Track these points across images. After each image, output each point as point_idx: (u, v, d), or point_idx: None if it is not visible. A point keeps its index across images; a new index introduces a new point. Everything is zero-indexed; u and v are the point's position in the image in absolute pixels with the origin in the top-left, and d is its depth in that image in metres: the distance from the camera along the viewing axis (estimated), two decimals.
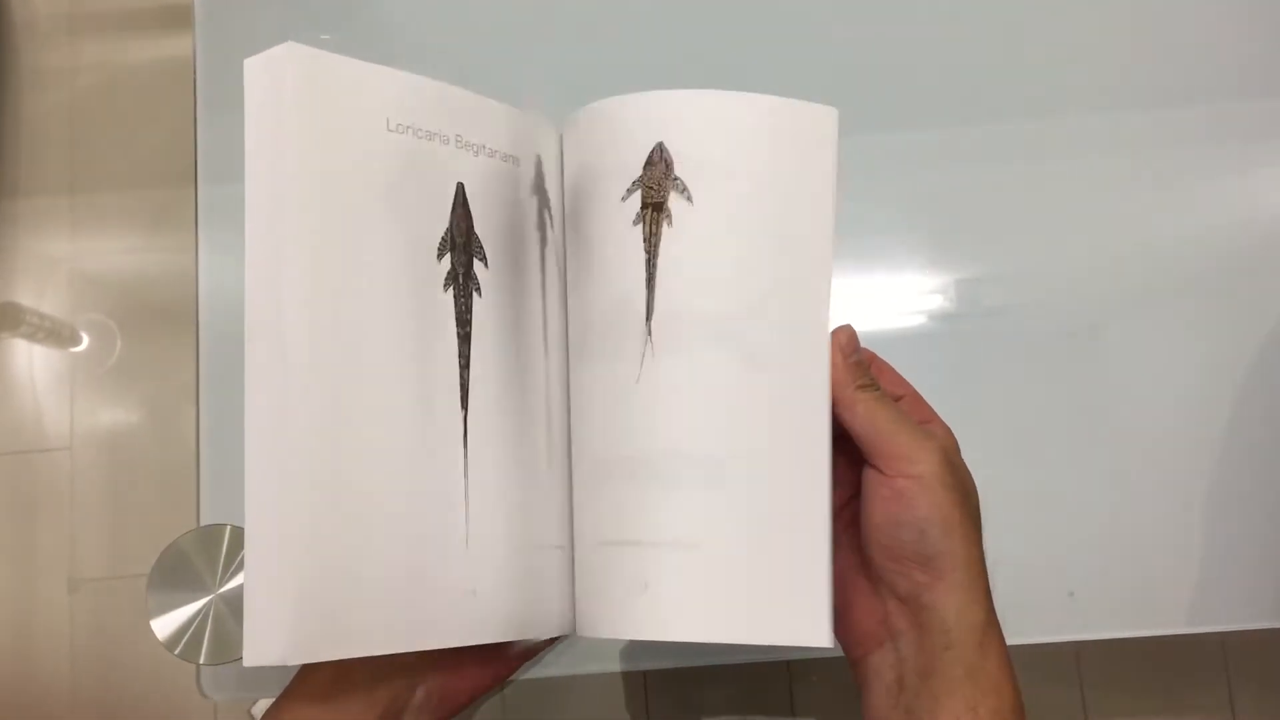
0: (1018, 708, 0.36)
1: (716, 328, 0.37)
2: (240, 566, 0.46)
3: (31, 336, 1.30)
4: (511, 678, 0.48)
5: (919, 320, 0.55)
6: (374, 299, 0.36)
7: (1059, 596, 0.53)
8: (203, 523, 0.52)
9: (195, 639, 0.45)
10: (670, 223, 0.38)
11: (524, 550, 0.39)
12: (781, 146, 0.38)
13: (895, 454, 0.36)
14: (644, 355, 0.38)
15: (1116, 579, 0.53)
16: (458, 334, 0.38)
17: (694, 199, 0.38)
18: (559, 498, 0.41)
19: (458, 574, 0.37)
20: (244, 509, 0.34)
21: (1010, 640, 0.37)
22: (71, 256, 1.31)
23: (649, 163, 0.38)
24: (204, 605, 0.45)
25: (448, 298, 0.38)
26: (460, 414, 0.38)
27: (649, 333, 0.38)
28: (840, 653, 0.41)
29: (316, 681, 0.42)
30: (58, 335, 1.30)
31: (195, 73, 0.58)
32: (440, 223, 0.38)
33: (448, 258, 0.38)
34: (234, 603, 0.45)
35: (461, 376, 0.38)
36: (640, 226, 0.39)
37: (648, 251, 0.38)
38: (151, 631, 0.45)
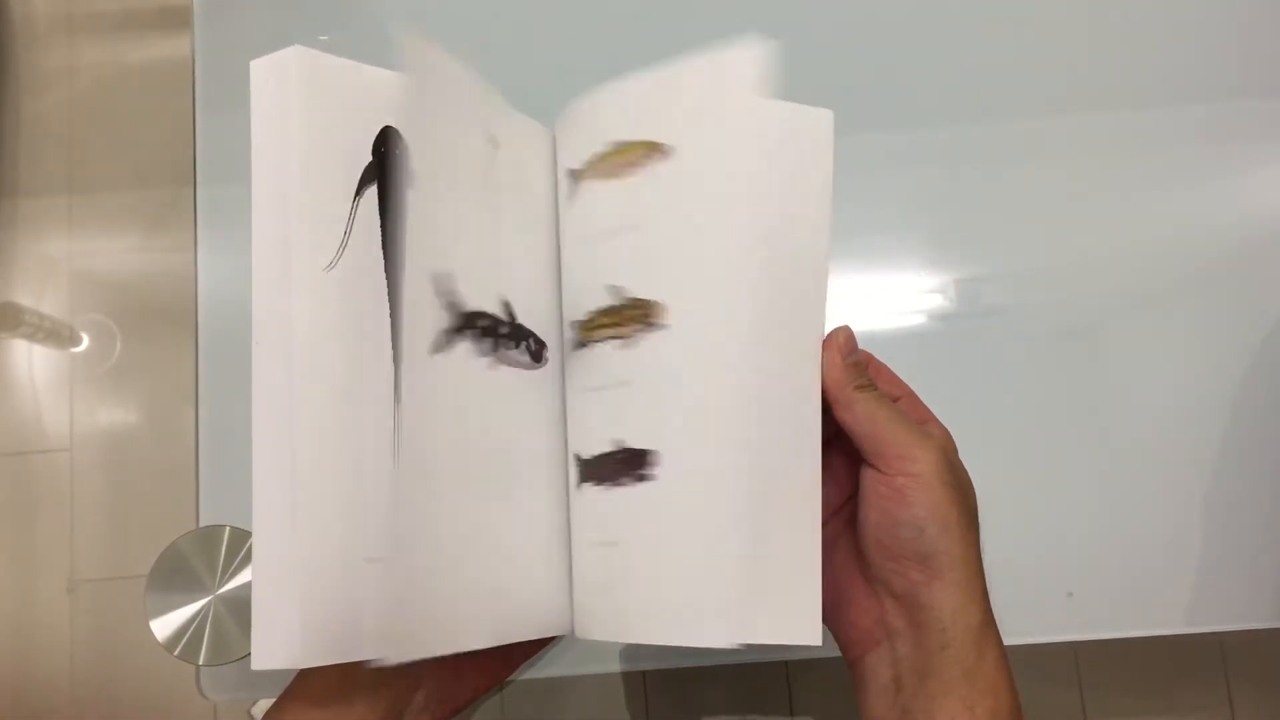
0: (1015, 708, 0.36)
1: (709, 328, 0.37)
2: (239, 567, 0.46)
3: (31, 337, 1.30)
4: (511, 678, 0.48)
5: (918, 320, 0.56)
6: (381, 300, 0.36)
7: (1058, 596, 0.53)
8: (202, 523, 0.52)
9: (194, 640, 0.45)
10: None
11: (525, 552, 0.39)
12: (777, 149, 0.38)
13: (894, 453, 0.36)
14: (634, 356, 0.38)
15: (1115, 579, 0.53)
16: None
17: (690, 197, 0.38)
18: (556, 498, 0.41)
19: (464, 575, 0.37)
20: (251, 512, 0.34)
21: (1009, 640, 0.37)
22: (71, 256, 1.31)
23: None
24: (203, 606, 0.45)
25: None
26: None
27: (639, 333, 0.38)
28: (838, 652, 0.41)
29: (317, 683, 0.42)
30: (57, 335, 1.30)
31: (194, 73, 0.58)
32: None
33: None
34: (233, 604, 0.45)
35: None
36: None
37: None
38: (151, 632, 0.45)
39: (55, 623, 1.23)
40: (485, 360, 0.38)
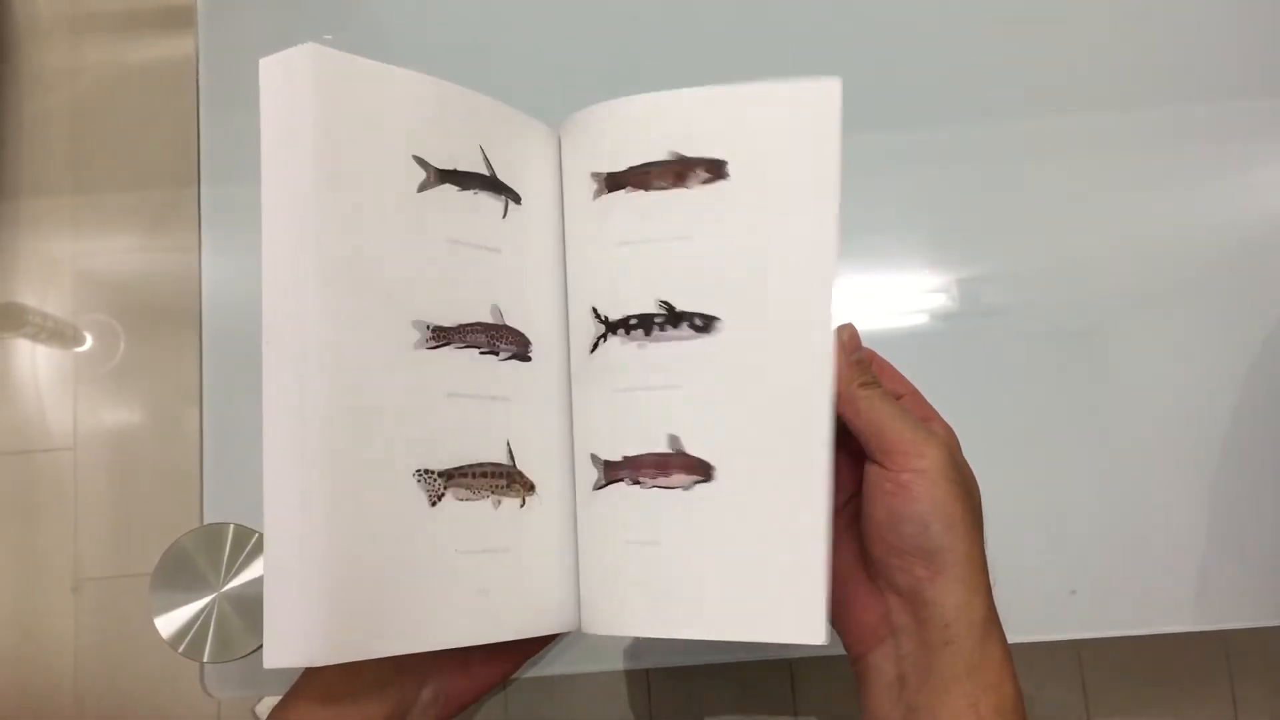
0: (1018, 704, 0.36)
1: (721, 327, 0.38)
2: (243, 565, 0.46)
3: (35, 337, 1.30)
4: (515, 675, 0.48)
5: (920, 320, 0.56)
6: (388, 301, 0.36)
7: (1061, 595, 0.53)
8: (205, 522, 0.52)
9: (199, 637, 0.45)
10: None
11: (531, 548, 0.39)
12: (780, 134, 0.38)
13: (899, 450, 0.37)
14: (643, 355, 0.38)
15: (1118, 577, 0.53)
16: None
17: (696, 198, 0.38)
18: (565, 496, 0.41)
19: (472, 574, 0.37)
20: (255, 510, 0.34)
21: (1012, 638, 0.37)
22: (74, 256, 1.31)
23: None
24: (207, 604, 0.45)
25: None
26: None
27: (649, 334, 0.38)
28: (842, 650, 0.41)
29: (323, 681, 0.42)
30: (61, 335, 1.30)
31: (197, 73, 0.58)
32: None
33: None
34: (237, 601, 0.46)
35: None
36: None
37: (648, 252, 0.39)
38: (155, 630, 0.45)
39: (59, 621, 1.23)
40: (482, 361, 0.38)
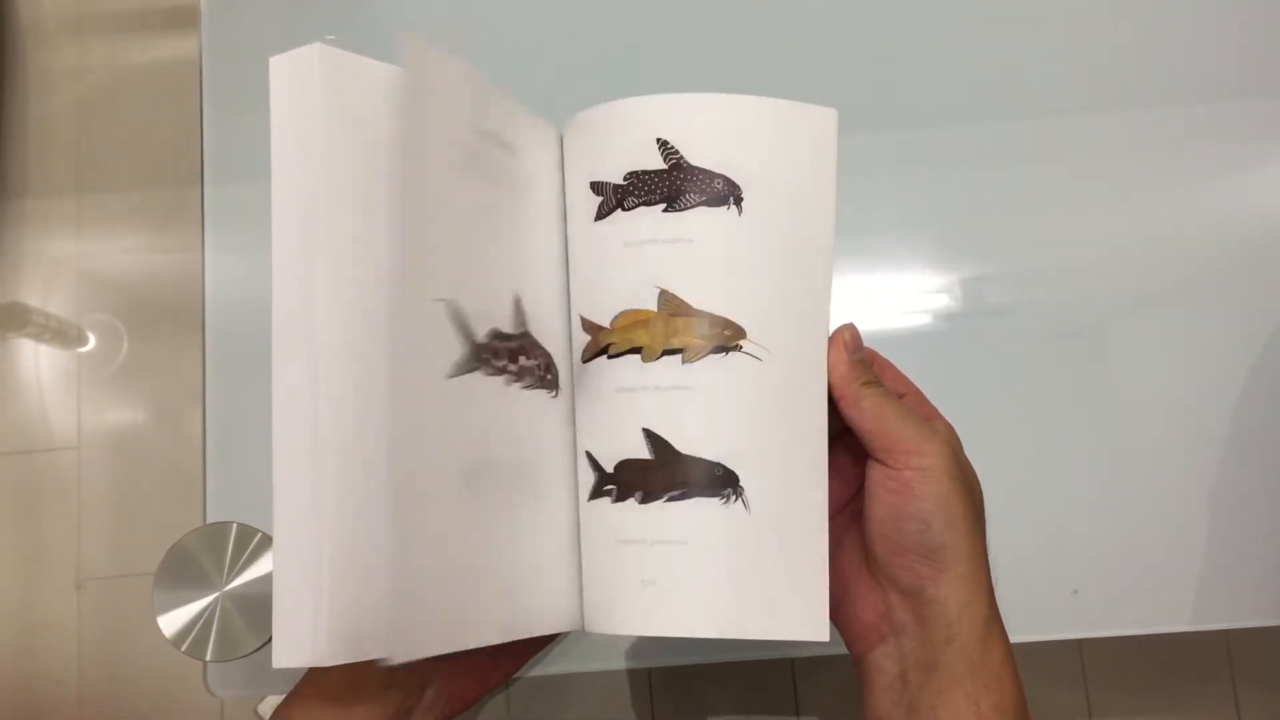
0: (1020, 703, 0.36)
1: (719, 330, 0.38)
2: (246, 564, 0.46)
3: (38, 337, 1.30)
4: (518, 674, 0.48)
5: (923, 320, 0.56)
6: (399, 303, 0.36)
7: (1062, 594, 0.53)
8: (208, 521, 0.52)
9: (201, 636, 0.45)
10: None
11: (538, 547, 0.40)
12: (783, 149, 0.39)
13: (902, 448, 0.37)
14: (645, 357, 0.38)
15: (1120, 577, 0.53)
16: None
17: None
18: (569, 495, 0.41)
19: (478, 574, 0.37)
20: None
21: (1014, 638, 0.37)
22: (78, 257, 1.31)
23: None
24: (210, 602, 0.46)
25: None
26: None
27: (650, 336, 0.38)
28: (844, 649, 0.41)
29: (327, 681, 0.42)
30: (64, 335, 1.30)
31: (201, 73, 0.58)
32: None
33: None
34: (240, 600, 0.46)
35: None
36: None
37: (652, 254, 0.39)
38: (158, 628, 0.45)
39: (62, 620, 1.24)
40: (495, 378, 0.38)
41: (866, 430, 0.37)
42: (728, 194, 0.38)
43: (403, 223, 0.34)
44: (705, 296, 0.38)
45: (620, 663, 0.54)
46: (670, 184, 0.38)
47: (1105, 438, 0.54)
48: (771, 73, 0.58)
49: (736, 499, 0.37)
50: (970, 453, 0.39)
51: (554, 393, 0.40)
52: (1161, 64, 0.58)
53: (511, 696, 1.14)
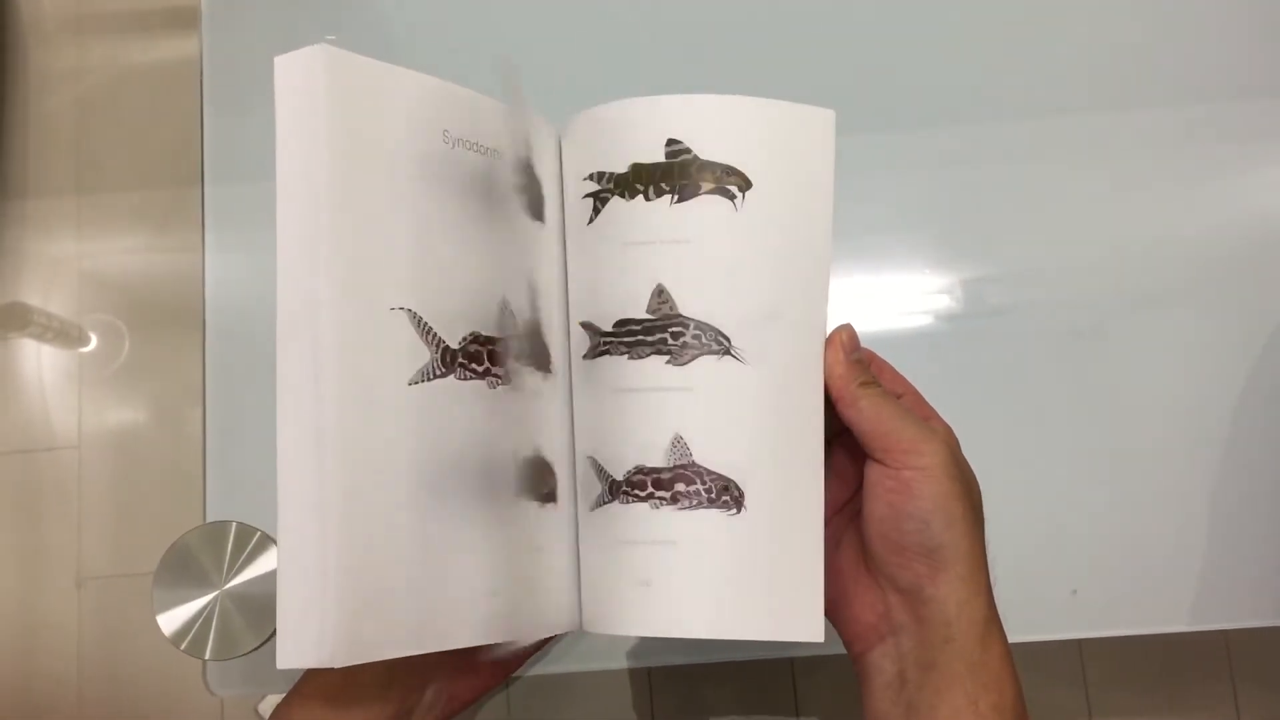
0: (1018, 702, 0.36)
1: (717, 331, 0.38)
2: (246, 563, 0.46)
3: (39, 337, 1.30)
4: (517, 674, 0.48)
5: (923, 320, 0.56)
6: (411, 295, 0.36)
7: (1062, 594, 0.53)
8: (208, 520, 0.52)
9: (201, 635, 0.45)
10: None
11: (539, 548, 0.40)
12: (780, 149, 0.39)
13: (901, 447, 0.37)
14: (640, 359, 0.38)
15: (1120, 577, 0.53)
16: None
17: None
18: (569, 497, 0.41)
19: (483, 574, 0.37)
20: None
21: (1013, 638, 0.37)
22: (79, 257, 1.31)
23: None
24: (210, 601, 0.46)
25: None
26: None
27: (663, 340, 0.38)
28: (843, 650, 0.41)
29: (327, 681, 0.42)
30: (65, 335, 1.30)
31: (202, 73, 0.58)
32: None
33: None
34: (240, 599, 0.46)
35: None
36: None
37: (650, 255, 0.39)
38: (158, 628, 0.45)
39: (63, 619, 1.24)
40: (493, 388, 0.38)
41: (865, 430, 0.37)
42: (727, 189, 0.38)
43: (344, 234, 0.34)
44: (701, 298, 0.38)
45: (620, 662, 0.54)
46: (671, 176, 0.38)
47: (1105, 438, 0.54)
48: (771, 73, 0.58)
49: (735, 506, 0.37)
50: (970, 453, 0.39)
51: (546, 376, 0.40)
52: (1161, 64, 0.58)
53: (511, 696, 1.14)
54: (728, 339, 0.38)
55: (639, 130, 0.39)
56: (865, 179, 0.56)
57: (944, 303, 0.56)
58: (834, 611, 0.40)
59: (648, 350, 0.39)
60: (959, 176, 0.57)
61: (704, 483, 0.37)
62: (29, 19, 1.37)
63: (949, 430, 0.39)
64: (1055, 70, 0.58)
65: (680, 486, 0.38)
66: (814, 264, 0.39)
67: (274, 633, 0.45)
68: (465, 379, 0.38)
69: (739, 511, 0.37)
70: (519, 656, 0.46)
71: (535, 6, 0.59)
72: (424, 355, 0.37)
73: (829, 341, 0.38)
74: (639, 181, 0.39)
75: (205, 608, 0.46)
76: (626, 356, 0.39)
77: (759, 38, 0.58)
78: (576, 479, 0.41)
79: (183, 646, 0.45)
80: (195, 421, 0.53)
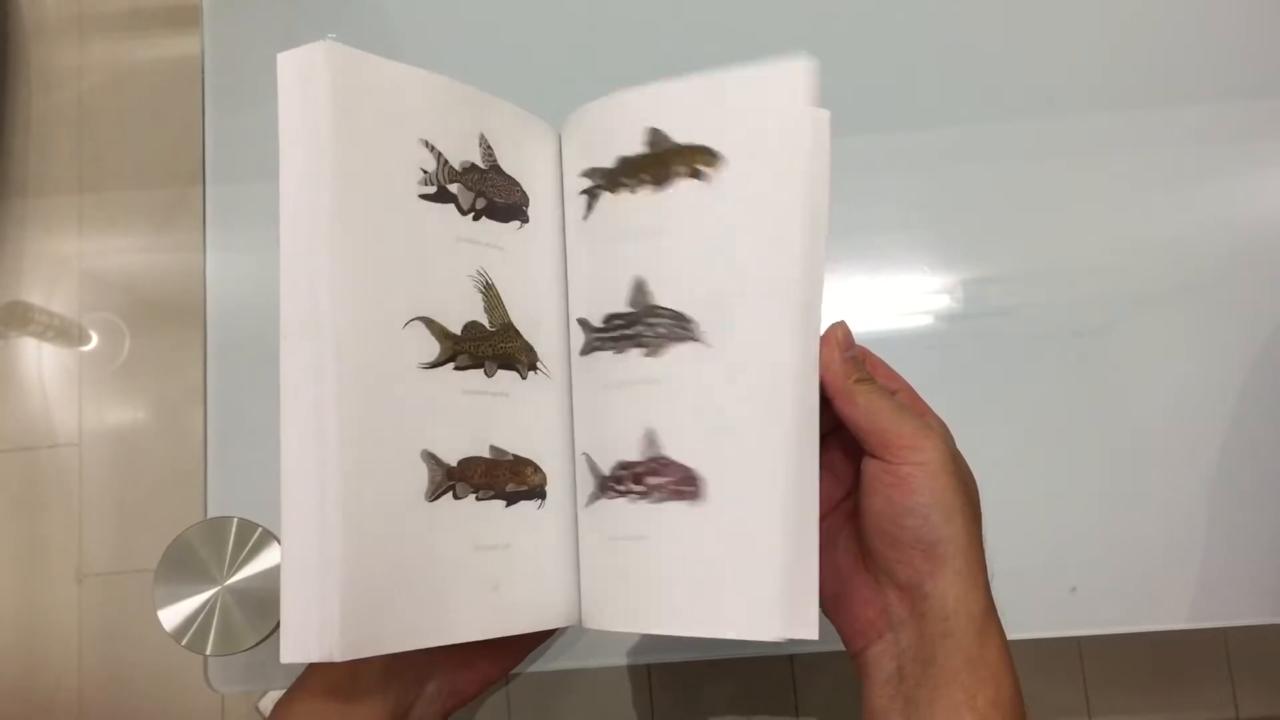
0: (1016, 698, 0.36)
1: (709, 325, 0.38)
2: (247, 559, 0.46)
3: (41, 335, 1.31)
4: (518, 670, 0.48)
5: (925, 320, 0.56)
6: (411, 293, 0.37)
7: (1061, 592, 0.53)
8: (210, 516, 0.52)
9: (202, 630, 0.45)
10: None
11: (538, 543, 0.40)
12: (773, 145, 0.38)
13: (899, 443, 0.37)
14: (636, 353, 0.38)
15: (1118, 574, 0.53)
16: None
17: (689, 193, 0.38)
18: (568, 492, 0.41)
19: (485, 569, 0.37)
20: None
21: (1012, 635, 0.37)
22: (80, 255, 1.31)
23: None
24: (211, 597, 0.46)
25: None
26: None
27: (640, 333, 0.38)
28: (842, 647, 0.41)
29: (329, 676, 0.42)
30: (66, 334, 1.30)
31: (203, 72, 0.59)
32: None
33: None
34: (240, 595, 0.46)
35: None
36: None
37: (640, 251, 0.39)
38: (159, 625, 0.45)
39: (64, 616, 1.24)
40: (490, 375, 0.38)
41: (862, 426, 0.37)
42: (698, 170, 0.38)
43: (347, 233, 0.35)
44: (676, 287, 0.38)
45: (620, 659, 0.54)
46: (649, 166, 0.38)
47: (1104, 437, 0.54)
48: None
49: (699, 498, 0.37)
50: (971, 451, 0.39)
51: (537, 374, 0.40)
52: (1161, 64, 0.58)
53: (512, 692, 1.14)
54: (693, 324, 0.38)
55: (623, 123, 0.39)
56: (865, 179, 0.56)
57: (944, 303, 0.56)
58: (832, 608, 0.41)
59: (629, 344, 0.39)
60: (959, 176, 0.57)
61: (671, 475, 0.37)
62: (31, 17, 1.37)
63: (944, 426, 0.39)
64: (1055, 70, 0.58)
65: (651, 480, 0.38)
66: (796, 236, 0.37)
67: (275, 628, 0.45)
68: (464, 367, 0.38)
69: (705, 504, 0.37)
70: (520, 651, 0.46)
71: (535, 5, 0.60)
72: (426, 352, 0.37)
73: (823, 339, 0.38)
74: (625, 175, 0.39)
75: (206, 603, 0.46)
76: (613, 352, 0.39)
77: (759, 37, 0.59)
78: (576, 476, 0.41)
79: (184, 642, 0.45)
80: (196, 419, 0.53)
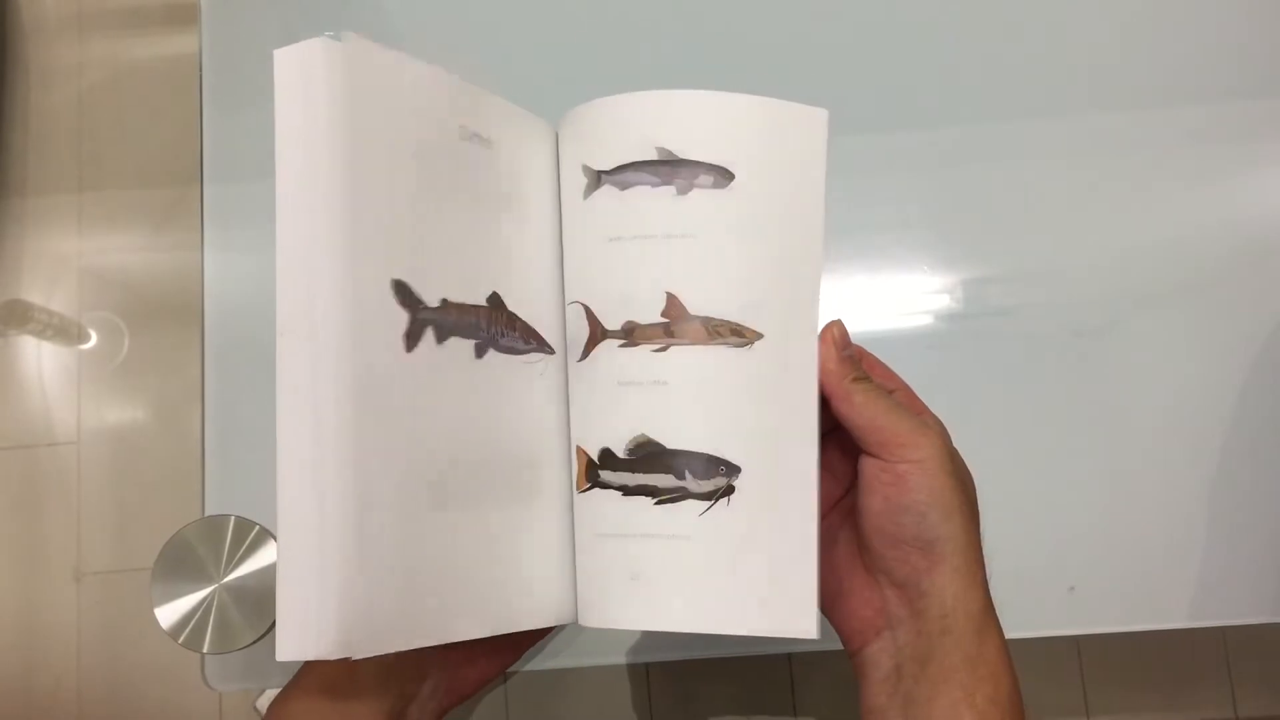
0: (1015, 696, 0.36)
1: (709, 325, 0.38)
2: (244, 557, 0.46)
3: (40, 334, 1.31)
4: (515, 667, 0.48)
5: (925, 320, 0.56)
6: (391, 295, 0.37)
7: (1059, 591, 0.53)
8: (207, 514, 0.52)
9: (199, 628, 0.45)
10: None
11: (536, 540, 0.40)
12: (773, 146, 0.39)
13: (896, 441, 0.37)
14: (633, 352, 0.38)
15: (1117, 574, 0.53)
16: None
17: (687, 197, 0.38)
18: (564, 489, 0.41)
19: (482, 566, 0.37)
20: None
21: (1010, 634, 0.37)
22: (79, 254, 1.31)
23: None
24: (208, 595, 0.46)
25: None
26: None
27: (638, 331, 0.38)
28: (840, 646, 0.41)
29: (326, 674, 0.42)
30: (66, 332, 1.30)
31: (201, 70, 0.59)
32: None
33: None
34: (237, 592, 0.46)
35: None
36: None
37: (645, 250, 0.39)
38: (156, 623, 0.45)
39: (62, 614, 1.24)
40: (480, 358, 0.38)
41: (859, 425, 0.37)
42: (713, 184, 0.38)
43: (344, 230, 0.35)
44: (698, 294, 0.38)
45: (619, 658, 0.54)
46: (663, 173, 0.38)
47: (1104, 437, 0.54)
48: (771, 72, 0.58)
49: (722, 498, 0.37)
50: (970, 451, 0.39)
51: (541, 359, 0.40)
52: (1162, 64, 0.58)
53: (509, 690, 1.14)
54: (711, 331, 0.38)
55: (628, 125, 0.39)
56: (865, 179, 0.56)
57: (944, 303, 0.56)
58: (830, 607, 0.41)
59: (635, 342, 0.39)
60: (959, 176, 0.57)
61: (689, 475, 0.37)
62: (30, 16, 1.37)
63: (941, 424, 0.39)
64: (1055, 70, 0.58)
65: (665, 479, 0.38)
66: (807, 260, 0.39)
67: (271, 626, 0.45)
68: (470, 350, 0.38)
69: (726, 505, 0.37)
70: (517, 649, 0.46)
71: (535, 5, 0.60)
72: (428, 345, 0.37)
73: (821, 338, 0.38)
74: (626, 176, 0.39)
75: (203, 601, 0.46)
76: (614, 348, 0.39)
77: (759, 37, 0.59)
78: (571, 469, 0.41)
79: (180, 640, 0.45)
80: (194, 418, 0.53)
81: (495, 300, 0.39)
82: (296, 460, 0.34)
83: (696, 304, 0.38)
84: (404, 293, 0.36)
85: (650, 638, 0.54)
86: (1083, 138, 0.57)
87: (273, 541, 0.46)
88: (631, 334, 0.39)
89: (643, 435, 0.38)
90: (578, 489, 0.40)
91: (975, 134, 0.57)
